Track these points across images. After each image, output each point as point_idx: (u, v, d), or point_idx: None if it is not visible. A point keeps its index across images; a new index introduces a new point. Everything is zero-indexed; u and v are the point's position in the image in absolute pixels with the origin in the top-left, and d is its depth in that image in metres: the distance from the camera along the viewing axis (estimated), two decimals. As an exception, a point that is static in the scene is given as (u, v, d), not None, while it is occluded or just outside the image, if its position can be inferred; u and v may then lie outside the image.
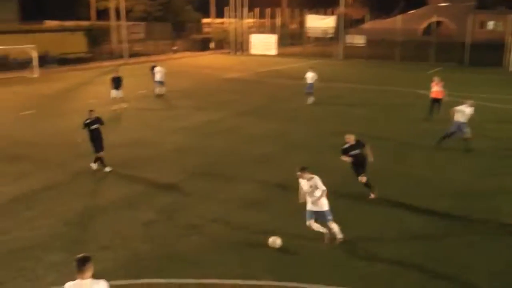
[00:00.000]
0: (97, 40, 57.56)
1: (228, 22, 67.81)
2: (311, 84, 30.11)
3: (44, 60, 47.22)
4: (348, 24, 63.14)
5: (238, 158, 19.83)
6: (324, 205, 12.15)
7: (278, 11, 69.53)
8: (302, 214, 12.41)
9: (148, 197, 15.75)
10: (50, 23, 62.15)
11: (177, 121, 26.18)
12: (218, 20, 73.84)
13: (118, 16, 58.29)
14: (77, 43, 55.09)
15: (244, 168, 18.41)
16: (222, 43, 68.45)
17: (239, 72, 46.44)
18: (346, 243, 12.40)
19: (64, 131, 23.97)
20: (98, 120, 18.11)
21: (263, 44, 63.87)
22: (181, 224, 13.68)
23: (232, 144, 21.86)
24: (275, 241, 11.98)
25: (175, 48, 65.93)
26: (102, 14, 67.33)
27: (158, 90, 32.74)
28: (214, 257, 11.89)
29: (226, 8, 66.05)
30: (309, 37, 68.37)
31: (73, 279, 7.17)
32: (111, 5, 59.81)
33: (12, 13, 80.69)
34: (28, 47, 42.93)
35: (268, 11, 68.90)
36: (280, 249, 12.01)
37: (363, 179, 14.84)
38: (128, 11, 60.88)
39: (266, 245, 12.01)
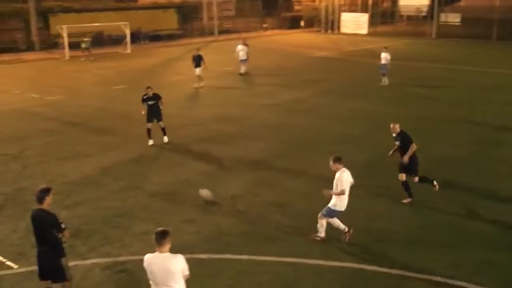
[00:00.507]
0: (188, 17, 58.35)
1: (319, 0, 66.90)
2: (384, 65, 28.96)
3: (137, 37, 48.46)
4: (443, 2, 60.61)
5: (323, 136, 19.58)
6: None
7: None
8: (388, 196, 12.05)
9: (234, 172, 15.84)
10: (144, 1, 63.52)
11: (263, 98, 26.16)
12: (309, -2, 73.01)
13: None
14: (169, 20, 56.05)
15: (330, 147, 18.11)
16: (313, 21, 67.64)
17: (328, 50, 45.80)
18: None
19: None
20: (155, 96, 18.43)
21: (354, 23, 62.57)
22: (266, 201, 13.65)
23: (318, 122, 21.59)
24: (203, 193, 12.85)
25: (265, 25, 65.84)
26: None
27: (242, 68, 32.61)
28: (297, 236, 11.79)
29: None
30: (401, 16, 66.34)
31: (155, 251, 7.27)
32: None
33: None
34: (121, 24, 44.14)
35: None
36: (363, 231, 11.76)
37: (415, 179, 13.40)
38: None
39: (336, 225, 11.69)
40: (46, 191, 8.58)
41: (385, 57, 28.89)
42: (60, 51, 41.47)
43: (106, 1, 57.72)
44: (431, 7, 59.82)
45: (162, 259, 7.12)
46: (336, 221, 11.42)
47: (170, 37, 53.29)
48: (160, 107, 18.55)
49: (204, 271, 10.21)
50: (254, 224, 12.40)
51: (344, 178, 11.07)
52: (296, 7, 77.71)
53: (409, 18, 65.82)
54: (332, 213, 11.34)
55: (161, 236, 7.12)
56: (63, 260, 8.69)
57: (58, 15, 46.96)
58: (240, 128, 20.81)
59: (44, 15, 46.80)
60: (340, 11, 64.10)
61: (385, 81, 29.09)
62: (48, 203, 8.55)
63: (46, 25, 46.85)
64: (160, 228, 7.25)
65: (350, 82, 30.59)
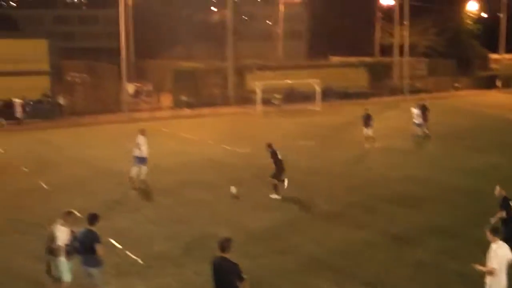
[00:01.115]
0: (378, 75, 58.30)
1: (519, 58, 63.28)
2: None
3: (326, 94, 49.38)
4: None
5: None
6: None
7: None
8: None
9: (421, 237, 15.18)
10: (335, 59, 64.87)
11: (452, 161, 25.01)
12: (508, 56, 69.08)
13: (401, 52, 58.37)
14: (359, 78, 56.40)
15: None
16: (510, 81, 63.89)
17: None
18: None
19: (339, 162, 24.60)
20: (275, 153, 18.98)
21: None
22: (451, 274, 12.85)
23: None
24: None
25: (457, 85, 63.50)
26: (386, 50, 68.12)
27: (418, 130, 30.81)
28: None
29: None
30: None
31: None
32: (395, 41, 60.22)
33: (301, 50, 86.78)
34: (312, 81, 45.33)
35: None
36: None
37: None
38: (412, 47, 60.55)
39: None
40: (228, 241, 8.88)
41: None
42: (253, 106, 43.57)
43: (299, 59, 60.01)
44: None
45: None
46: None
47: (360, 95, 53.45)
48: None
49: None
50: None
51: (497, 254, 9.60)
52: (493, 66, 74.15)
53: None
54: None
55: None
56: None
57: (254, 72, 49.60)
58: (429, 192, 19.95)
59: (241, 72, 49.72)
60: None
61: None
62: (229, 252, 8.82)
63: (242, 82, 49.67)
64: None
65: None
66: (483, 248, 14.09)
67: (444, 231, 15.71)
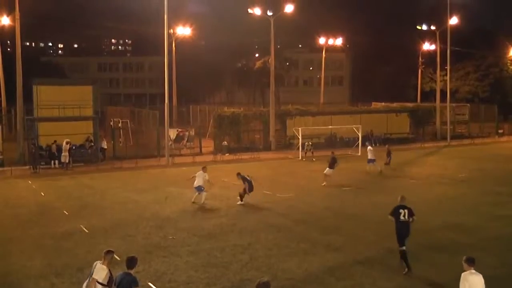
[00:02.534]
0: (420, 121, 57.82)
1: None
2: None
3: (368, 140, 49.05)
4: None
5: None
6: None
7: None
8: None
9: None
10: (377, 105, 64.73)
11: (499, 209, 24.33)
12: (553, 102, 68.06)
13: (443, 97, 57.86)
14: (401, 124, 56.06)
15: None
16: (557, 127, 62.62)
17: None
18: None
19: (380, 208, 24.20)
20: (244, 178, 25.03)
21: None
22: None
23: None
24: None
25: (500, 131, 62.41)
26: (428, 95, 67.75)
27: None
28: None
29: None
30: None
31: None
32: (437, 87, 59.81)
33: (344, 96, 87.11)
34: (354, 127, 45.18)
35: None
36: None
37: None
38: (454, 92, 60.09)
39: None
40: (267, 285, 8.78)
41: None
42: (294, 151, 43.53)
43: (340, 105, 60.02)
44: None
45: None
46: None
47: (402, 140, 53.00)
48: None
49: None
50: None
51: (468, 279, 10.53)
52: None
53: None
54: None
55: None
56: None
57: (295, 117, 49.76)
58: (471, 240, 19.42)
59: (282, 117, 49.95)
60: None
61: None
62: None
63: (283, 127, 49.84)
64: None
65: None
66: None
67: (489, 278, 15.18)
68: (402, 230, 16.03)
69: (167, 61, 41.19)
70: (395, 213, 16.15)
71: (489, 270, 15.78)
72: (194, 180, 25.28)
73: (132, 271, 10.89)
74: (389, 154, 35.68)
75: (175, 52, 56.67)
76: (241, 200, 25.02)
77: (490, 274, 15.44)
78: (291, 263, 16.74)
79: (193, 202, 25.22)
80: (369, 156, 34.54)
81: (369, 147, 35.76)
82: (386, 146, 37.43)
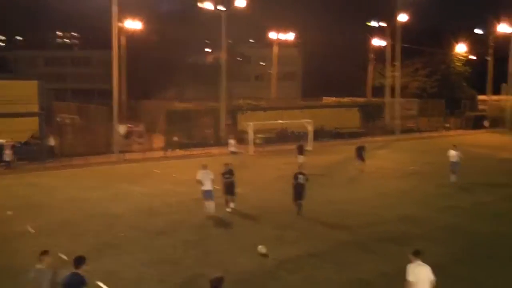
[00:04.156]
0: (370, 116, 58.64)
1: (505, 99, 63.76)
2: (454, 163, 29.19)
3: (319, 134, 49.42)
4: None
5: (508, 245, 18.02)
6: None
7: None
8: None
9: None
10: (328, 100, 65.27)
11: (446, 200, 25.06)
12: (495, 97, 69.96)
13: (392, 93, 58.80)
14: (351, 119, 56.70)
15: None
16: (497, 122, 64.47)
17: (515, 152, 43.01)
18: None
19: (333, 201, 24.43)
20: (230, 172, 22.68)
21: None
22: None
23: (502, 230, 20.03)
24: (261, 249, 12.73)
25: (447, 125, 63.95)
26: (378, 90, 68.71)
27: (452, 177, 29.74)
28: None
29: (503, 85, 62.30)
30: None
31: None
32: (387, 83, 60.74)
33: (295, 91, 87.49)
34: (305, 121, 45.39)
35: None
36: None
37: None
38: (403, 88, 61.12)
39: None
40: (220, 280, 8.70)
41: (454, 155, 29.02)
42: (245, 146, 43.47)
43: (292, 100, 60.27)
44: None
45: None
46: None
47: (352, 135, 53.61)
48: (234, 183, 22.57)
49: None
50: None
51: (414, 271, 10.92)
52: (480, 107, 74.87)
53: None
54: None
55: None
56: None
57: (246, 112, 49.69)
58: (420, 230, 19.91)
59: (233, 112, 49.80)
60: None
61: (453, 178, 28.71)
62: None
63: (234, 122, 49.68)
64: None
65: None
66: (470, 285, 14.02)
67: (435, 268, 15.42)
68: (298, 189, 21.80)
69: (116, 55, 40.46)
70: (295, 177, 22.01)
71: (437, 258, 16.09)
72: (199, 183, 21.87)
73: (80, 271, 10.57)
74: (301, 150, 33.98)
75: (125, 47, 55.82)
76: (228, 207, 22.58)
77: (437, 262, 15.74)
78: (243, 257, 16.67)
79: (209, 214, 21.71)
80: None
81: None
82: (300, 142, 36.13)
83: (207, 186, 21.61)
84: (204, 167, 22.12)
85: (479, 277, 14.96)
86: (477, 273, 15.33)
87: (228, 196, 22.65)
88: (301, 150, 33.54)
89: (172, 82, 73.40)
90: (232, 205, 22.62)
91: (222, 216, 21.79)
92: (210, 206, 21.75)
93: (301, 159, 32.26)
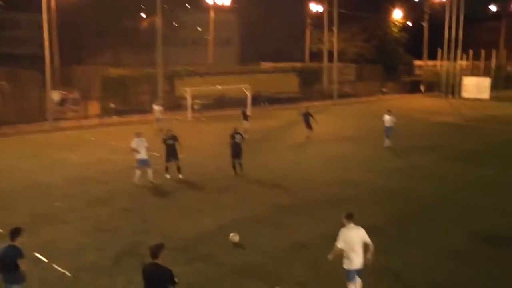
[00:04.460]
0: (308, 81, 58.99)
1: (440, 64, 65.43)
2: (389, 128, 29.46)
3: (257, 99, 49.47)
4: None
5: (445, 205, 18.62)
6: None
7: (493, 53, 65.62)
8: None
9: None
10: (266, 65, 65.20)
11: (383, 163, 25.65)
12: (431, 63, 71.65)
13: (330, 58, 59.25)
14: (290, 84, 56.86)
15: (453, 217, 17.15)
16: (433, 86, 66.15)
17: (449, 116, 44.36)
18: None
19: (271, 167, 24.61)
20: (173, 137, 22.31)
21: (476, 87, 60.49)
22: (378, 268, 12.89)
23: (438, 189, 20.67)
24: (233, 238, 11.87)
25: (384, 90, 65.22)
26: (316, 56, 69.15)
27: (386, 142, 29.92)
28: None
29: (439, 50, 63.84)
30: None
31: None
32: (325, 48, 61.11)
33: (233, 56, 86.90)
34: (243, 87, 45.28)
35: (482, 52, 65.16)
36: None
37: None
38: (341, 53, 61.67)
39: None
40: (159, 247, 8.66)
41: (388, 120, 29.34)
42: (183, 112, 43.09)
43: (229, 65, 59.89)
44: None
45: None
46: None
47: (290, 100, 53.91)
48: (177, 148, 22.23)
49: None
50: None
51: (344, 235, 10.88)
52: (417, 72, 76.62)
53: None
54: (347, 274, 10.95)
55: None
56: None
57: (183, 78, 49.13)
58: (357, 192, 20.33)
59: (170, 78, 49.14)
60: (461, 76, 62.21)
61: (387, 143, 29.25)
62: (161, 258, 8.68)
63: (171, 88, 49.07)
64: None
65: (473, 148, 29.18)
66: (409, 243, 14.51)
67: (372, 229, 15.82)
68: (235, 148, 22.89)
69: (45, 18, 39.05)
70: (232, 137, 23.10)
71: (373, 219, 16.57)
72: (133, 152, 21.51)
73: (16, 243, 10.27)
74: (245, 115, 33.89)
75: (55, 9, 53.87)
76: (168, 173, 22.38)
77: (373, 223, 16.25)
78: (182, 223, 16.67)
79: (136, 184, 21.23)
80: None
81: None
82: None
83: (142, 154, 21.33)
84: (138, 134, 21.73)
85: (414, 236, 15.42)
86: (411, 232, 15.80)
87: (172, 161, 22.39)
88: (245, 116, 33.62)
89: (106, 47, 71.58)
90: (180, 176, 22.16)
91: (161, 183, 21.63)
92: (149, 173, 21.42)
93: (246, 124, 32.58)
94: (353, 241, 10.79)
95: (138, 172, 21.42)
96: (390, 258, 13.71)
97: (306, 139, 31.71)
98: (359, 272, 10.97)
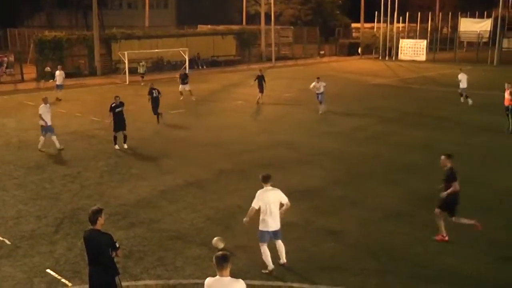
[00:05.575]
0: (246, 43, 58.96)
1: (378, 26, 66.48)
2: (320, 94, 28.82)
3: (195, 62, 49.26)
4: (505, 28, 59.31)
5: (383, 166, 19.23)
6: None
7: (430, 15, 67.13)
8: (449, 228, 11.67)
9: (290, 199, 15.60)
10: (203, 28, 64.69)
11: (323, 126, 26.05)
12: (368, 25, 72.61)
13: (268, 20, 59.28)
14: (227, 46, 56.82)
15: (390, 177, 17.80)
16: (371, 48, 67.23)
17: (386, 78, 45.39)
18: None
19: (210, 130, 24.78)
20: (121, 104, 21.48)
21: (413, 49, 61.96)
22: (319, 229, 13.48)
23: (378, 151, 21.23)
24: (217, 242, 11.01)
25: (322, 52, 65.91)
26: (253, 18, 68.96)
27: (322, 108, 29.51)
28: (351, 265, 11.57)
29: (376, 13, 64.75)
30: (461, 42, 65.26)
31: (211, 275, 7.33)
32: (262, 10, 61.06)
33: (170, 19, 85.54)
34: (181, 50, 44.97)
35: (419, 15, 66.58)
36: (432, 261, 11.45)
37: None
38: (278, 16, 61.74)
39: (388, 255, 11.65)
40: (98, 212, 8.73)
41: (318, 86, 28.73)
42: (121, 76, 42.52)
43: (167, 28, 59.05)
44: (493, 33, 58.57)
45: (224, 283, 7.16)
46: (265, 249, 11.15)
47: (228, 63, 53.93)
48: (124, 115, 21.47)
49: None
50: (308, 252, 12.24)
51: (257, 196, 11.03)
52: (354, 34, 77.56)
53: (469, 44, 64.79)
54: (260, 235, 11.19)
55: (223, 260, 7.15)
56: (117, 279, 8.83)
57: (120, 42, 48.31)
58: (299, 155, 20.66)
59: (107, 42, 48.22)
60: (398, 38, 63.49)
61: (322, 109, 28.84)
62: (101, 223, 8.73)
63: (108, 52, 48.22)
64: (221, 252, 7.32)
65: (410, 110, 30.07)
66: (348, 204, 15.08)
67: (314, 190, 16.37)
68: (155, 103, 25.62)
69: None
70: (150, 93, 25.71)
71: (314, 181, 17.10)
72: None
73: None
74: (184, 78, 33.22)
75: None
76: (117, 144, 21.55)
77: (315, 184, 16.81)
78: (122, 189, 16.72)
79: (41, 151, 21.10)
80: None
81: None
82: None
83: (48, 121, 20.99)
84: (45, 100, 21.33)
85: (355, 197, 15.83)
86: (352, 194, 16.19)
87: (120, 131, 21.45)
88: (183, 78, 33.04)
89: (40, 9, 69.28)
90: (125, 146, 21.47)
91: (101, 149, 21.55)
92: (54, 141, 21.13)
93: (187, 87, 32.73)
94: (270, 201, 10.93)
95: (42, 138, 21.23)
96: (331, 219, 14.15)
97: (257, 104, 31.47)
98: (276, 235, 11.19)
